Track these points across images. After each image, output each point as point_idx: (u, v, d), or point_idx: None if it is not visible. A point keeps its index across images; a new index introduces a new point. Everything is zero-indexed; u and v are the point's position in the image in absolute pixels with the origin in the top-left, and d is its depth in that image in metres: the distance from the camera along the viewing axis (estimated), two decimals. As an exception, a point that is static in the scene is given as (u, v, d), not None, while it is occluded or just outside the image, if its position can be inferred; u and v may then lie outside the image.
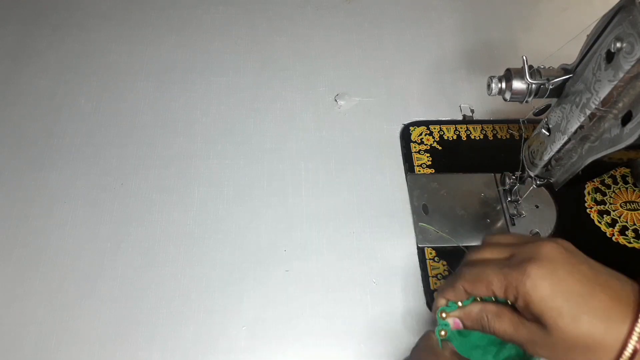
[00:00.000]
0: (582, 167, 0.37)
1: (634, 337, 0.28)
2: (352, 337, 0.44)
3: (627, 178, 0.52)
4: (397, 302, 0.45)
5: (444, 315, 0.37)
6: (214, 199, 0.50)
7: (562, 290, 0.30)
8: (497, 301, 0.36)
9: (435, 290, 0.45)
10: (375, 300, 0.45)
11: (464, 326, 0.36)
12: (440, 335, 0.37)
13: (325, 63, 0.60)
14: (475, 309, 0.35)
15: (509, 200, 0.50)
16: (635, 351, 0.28)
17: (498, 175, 0.51)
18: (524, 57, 0.37)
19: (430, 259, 0.47)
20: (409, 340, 0.43)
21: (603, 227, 0.49)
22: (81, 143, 0.53)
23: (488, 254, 0.35)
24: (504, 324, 0.33)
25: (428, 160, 0.53)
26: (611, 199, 0.51)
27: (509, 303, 0.35)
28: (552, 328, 0.30)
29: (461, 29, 0.63)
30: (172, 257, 0.47)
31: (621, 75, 0.30)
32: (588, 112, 0.34)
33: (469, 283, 0.35)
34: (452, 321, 0.36)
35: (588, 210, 0.50)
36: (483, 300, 0.35)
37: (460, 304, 0.37)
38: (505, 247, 0.35)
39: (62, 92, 0.56)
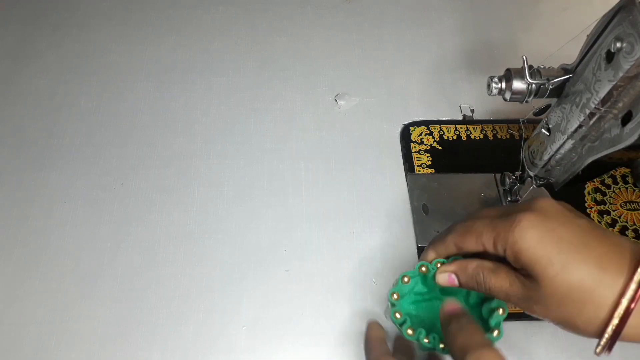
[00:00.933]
0: (582, 167, 0.37)
1: (629, 293, 0.26)
2: (352, 337, 0.44)
3: (627, 178, 0.52)
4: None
5: (395, 296, 0.37)
6: (214, 199, 0.50)
7: (553, 238, 0.29)
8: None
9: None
10: (375, 300, 0.45)
11: (459, 282, 0.35)
12: (392, 298, 0.37)
13: (325, 63, 0.60)
14: (472, 264, 0.34)
15: (509, 200, 0.50)
16: (628, 310, 0.26)
17: (498, 175, 0.51)
18: (524, 57, 0.37)
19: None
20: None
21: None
22: (81, 143, 0.53)
23: (485, 212, 0.34)
24: (500, 279, 0.32)
25: (428, 160, 0.53)
26: (611, 199, 0.51)
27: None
28: (542, 277, 0.28)
29: (461, 29, 0.63)
30: (172, 257, 0.47)
31: (621, 75, 0.30)
32: (588, 112, 0.34)
33: (459, 236, 0.34)
34: (447, 276, 0.35)
35: (588, 210, 0.50)
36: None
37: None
38: (502, 207, 0.34)
39: (62, 92, 0.56)
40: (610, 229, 0.49)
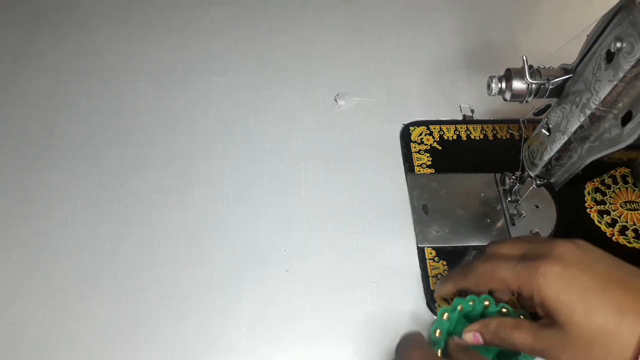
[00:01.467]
0: (582, 167, 0.37)
1: None
2: (352, 337, 0.44)
3: (627, 178, 0.52)
4: (397, 302, 0.45)
5: (445, 316, 0.38)
6: (214, 199, 0.50)
7: (574, 286, 0.30)
8: (505, 314, 0.38)
9: (438, 280, 0.45)
10: (375, 300, 0.45)
11: (483, 340, 0.36)
12: (435, 335, 0.38)
13: (325, 63, 0.60)
14: (493, 322, 0.35)
15: (509, 200, 0.50)
16: None
17: (498, 175, 0.51)
18: (524, 57, 0.37)
19: (430, 259, 0.47)
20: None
21: (603, 227, 0.49)
22: (81, 143, 0.53)
23: (505, 250, 0.36)
24: (523, 334, 0.33)
25: (428, 160, 0.53)
26: (611, 199, 0.51)
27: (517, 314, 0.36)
28: (567, 324, 0.30)
29: (461, 29, 0.63)
30: (172, 257, 0.47)
31: (621, 75, 0.30)
32: (588, 112, 0.34)
33: (483, 277, 0.36)
34: (472, 335, 0.37)
35: (588, 210, 0.50)
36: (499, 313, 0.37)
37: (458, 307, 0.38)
38: (521, 245, 0.35)
39: (62, 92, 0.56)
40: (610, 229, 0.49)
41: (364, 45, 0.61)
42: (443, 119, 0.56)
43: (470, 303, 0.38)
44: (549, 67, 0.37)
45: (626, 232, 0.49)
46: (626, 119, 0.32)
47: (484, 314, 0.39)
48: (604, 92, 0.32)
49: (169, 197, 0.50)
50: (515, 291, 0.34)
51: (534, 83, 0.36)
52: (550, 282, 0.31)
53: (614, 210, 0.50)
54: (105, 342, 0.43)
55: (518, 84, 0.37)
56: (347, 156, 0.53)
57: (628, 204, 0.50)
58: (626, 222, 0.49)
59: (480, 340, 0.36)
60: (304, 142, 0.54)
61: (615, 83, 0.31)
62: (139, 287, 0.45)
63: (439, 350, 0.38)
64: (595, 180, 0.52)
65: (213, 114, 0.55)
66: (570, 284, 0.30)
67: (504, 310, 0.38)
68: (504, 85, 0.38)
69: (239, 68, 0.59)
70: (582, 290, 0.30)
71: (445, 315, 0.38)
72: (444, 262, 0.47)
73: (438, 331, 0.38)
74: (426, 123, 0.55)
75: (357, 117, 0.56)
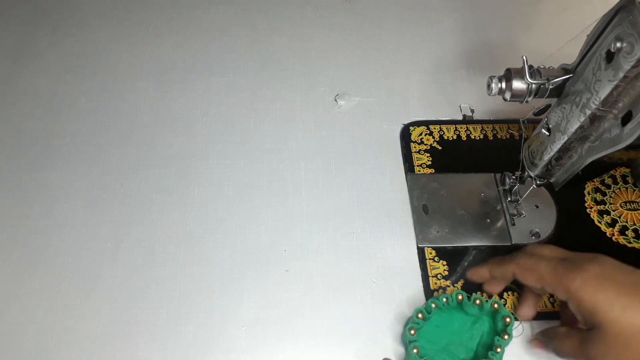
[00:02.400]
0: (582, 167, 0.37)
1: None
2: (352, 337, 0.44)
3: (627, 178, 0.52)
4: (397, 302, 0.45)
5: (420, 315, 0.40)
6: (214, 199, 0.50)
7: (612, 283, 0.31)
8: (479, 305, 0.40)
9: (435, 290, 0.45)
10: (375, 300, 0.45)
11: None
12: (410, 334, 0.40)
13: (325, 63, 0.60)
14: (551, 331, 0.38)
15: (509, 200, 0.50)
16: None
17: (498, 175, 0.51)
18: (524, 57, 0.37)
19: (430, 259, 0.47)
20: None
21: (603, 227, 0.49)
22: (81, 143, 0.53)
23: (546, 251, 0.37)
24: (570, 342, 0.35)
25: (428, 160, 0.53)
26: (611, 199, 0.51)
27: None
28: (605, 322, 0.30)
29: (461, 29, 0.63)
30: (172, 257, 0.47)
31: (621, 75, 0.30)
32: (588, 112, 0.34)
33: (522, 269, 0.37)
34: (537, 342, 0.41)
35: (588, 210, 0.50)
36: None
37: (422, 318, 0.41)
38: (562, 251, 0.37)
39: (62, 92, 0.56)
40: (610, 229, 0.49)
41: (364, 45, 0.61)
42: (443, 119, 0.56)
43: (445, 300, 0.40)
44: (549, 67, 0.37)
45: (626, 232, 0.49)
46: (626, 119, 0.32)
47: (460, 307, 0.41)
48: (604, 92, 0.32)
49: (169, 197, 0.50)
50: (549, 290, 0.35)
51: (534, 83, 0.36)
52: (588, 281, 0.32)
53: (614, 210, 0.50)
54: (105, 342, 0.43)
55: (518, 84, 0.37)
56: (347, 156, 0.53)
57: (628, 204, 0.50)
58: (626, 222, 0.49)
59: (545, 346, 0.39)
60: (304, 142, 0.54)
61: (615, 83, 0.31)
62: (139, 287, 0.45)
63: (414, 349, 0.38)
64: (595, 180, 0.52)
65: (213, 114, 0.55)
66: (607, 283, 0.31)
67: (477, 302, 0.40)
68: (504, 85, 0.38)
69: (239, 68, 0.59)
70: (618, 288, 0.31)
71: (420, 315, 0.40)
72: (444, 262, 0.47)
73: (413, 330, 0.39)
74: (426, 123, 0.55)
75: (357, 117, 0.56)
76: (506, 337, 0.38)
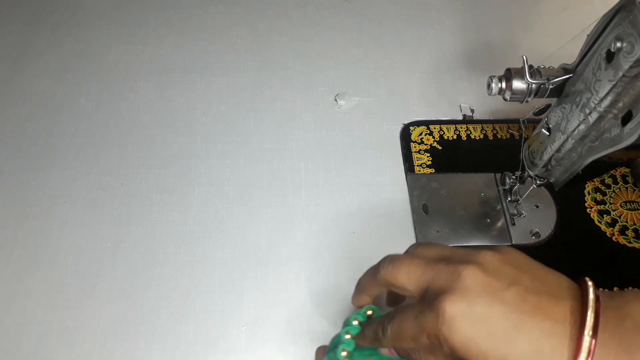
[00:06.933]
0: (582, 167, 0.37)
1: None
2: (352, 337, 0.44)
3: (627, 178, 0.52)
4: (397, 302, 0.45)
5: (348, 336, 0.35)
6: (214, 199, 0.50)
7: (483, 331, 0.26)
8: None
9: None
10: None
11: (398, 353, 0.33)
12: (345, 338, 0.35)
13: (325, 63, 0.60)
14: (408, 341, 0.31)
15: (509, 200, 0.50)
16: None
17: (498, 175, 0.51)
18: (524, 57, 0.37)
19: (430, 259, 0.47)
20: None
21: (603, 227, 0.49)
22: (81, 143, 0.53)
23: (401, 278, 0.31)
24: None
25: (428, 160, 0.53)
26: (611, 198, 0.51)
27: None
28: None
29: (461, 29, 0.63)
30: (172, 256, 0.47)
31: (621, 75, 0.30)
32: (588, 111, 0.34)
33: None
34: (387, 349, 0.34)
35: (588, 210, 0.50)
36: None
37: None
38: (421, 271, 0.30)
39: (62, 92, 0.56)
40: (610, 228, 0.49)
41: (364, 45, 0.61)
42: (443, 118, 0.56)
43: (355, 322, 0.36)
44: (549, 67, 0.37)
45: (626, 232, 0.49)
46: (626, 119, 0.32)
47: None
48: (604, 92, 0.32)
49: (169, 197, 0.50)
50: (428, 346, 0.29)
51: (534, 83, 0.36)
52: (455, 328, 0.26)
53: (614, 210, 0.50)
54: (105, 342, 0.43)
55: (518, 84, 0.37)
56: (347, 156, 0.53)
57: (628, 204, 0.50)
58: (626, 222, 0.49)
59: (396, 353, 0.32)
60: (304, 142, 0.54)
61: (615, 83, 0.31)
62: (139, 287, 0.45)
63: (346, 352, 0.35)
64: (595, 180, 0.52)
65: (213, 114, 0.55)
66: (478, 327, 0.26)
67: (369, 312, 0.36)
68: (504, 85, 0.38)
69: (239, 68, 0.59)
70: (492, 336, 0.26)
71: (356, 322, 0.36)
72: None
73: (344, 352, 0.35)
74: (426, 123, 0.55)
75: (357, 117, 0.56)
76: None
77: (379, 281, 0.33)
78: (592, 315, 0.25)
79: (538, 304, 0.26)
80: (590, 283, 0.27)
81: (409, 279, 0.31)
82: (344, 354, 0.34)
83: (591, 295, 0.26)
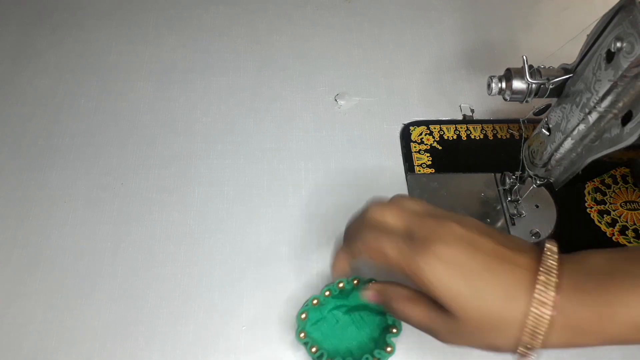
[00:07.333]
0: (582, 167, 0.37)
1: (534, 306, 0.27)
2: (352, 337, 0.44)
3: (627, 178, 0.52)
4: (397, 302, 0.45)
5: (315, 302, 0.41)
6: (214, 199, 0.50)
7: (459, 270, 0.29)
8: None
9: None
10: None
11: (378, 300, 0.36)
12: (300, 318, 0.40)
13: (325, 63, 0.60)
14: (390, 290, 0.34)
15: (509, 200, 0.50)
16: (538, 318, 0.27)
17: (498, 175, 0.51)
18: (524, 57, 0.37)
19: (430, 259, 0.47)
20: (408, 339, 0.42)
21: (603, 227, 0.49)
22: (81, 143, 0.53)
23: (388, 218, 0.33)
24: (419, 311, 0.32)
25: (428, 160, 0.53)
26: (611, 198, 0.51)
27: None
28: (454, 309, 0.29)
29: (461, 29, 0.63)
30: (172, 256, 0.47)
31: (621, 74, 0.30)
32: (588, 111, 0.34)
33: (367, 247, 0.33)
34: (371, 293, 0.36)
35: (588, 210, 0.50)
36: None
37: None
38: (405, 217, 0.33)
39: (62, 92, 0.56)
40: (610, 228, 0.49)
41: (364, 45, 0.61)
42: (443, 118, 0.56)
43: (340, 285, 0.40)
44: (549, 67, 0.37)
45: (626, 232, 0.49)
46: (626, 119, 0.32)
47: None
48: (604, 91, 0.32)
49: (169, 197, 0.50)
50: (395, 270, 0.31)
51: (534, 83, 0.36)
52: (433, 266, 0.29)
53: (614, 210, 0.50)
54: (105, 342, 0.43)
55: (518, 84, 0.37)
56: (347, 156, 0.53)
57: (628, 204, 0.50)
58: (626, 222, 0.49)
59: (379, 299, 0.35)
60: (304, 142, 0.54)
61: (615, 83, 0.31)
62: (139, 287, 0.45)
63: (301, 333, 0.39)
64: (595, 180, 0.52)
65: (213, 114, 0.55)
66: (454, 267, 0.29)
67: (341, 285, 0.40)
68: (504, 85, 0.38)
69: (239, 68, 0.59)
70: (466, 274, 0.29)
71: (315, 301, 0.40)
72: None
73: (304, 315, 0.40)
74: (426, 123, 0.55)
75: (357, 117, 0.56)
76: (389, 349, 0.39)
77: (364, 223, 0.35)
78: (549, 260, 0.29)
79: (505, 253, 0.30)
80: (550, 242, 0.30)
81: (394, 220, 0.33)
82: (315, 302, 0.39)
83: (552, 247, 0.30)
